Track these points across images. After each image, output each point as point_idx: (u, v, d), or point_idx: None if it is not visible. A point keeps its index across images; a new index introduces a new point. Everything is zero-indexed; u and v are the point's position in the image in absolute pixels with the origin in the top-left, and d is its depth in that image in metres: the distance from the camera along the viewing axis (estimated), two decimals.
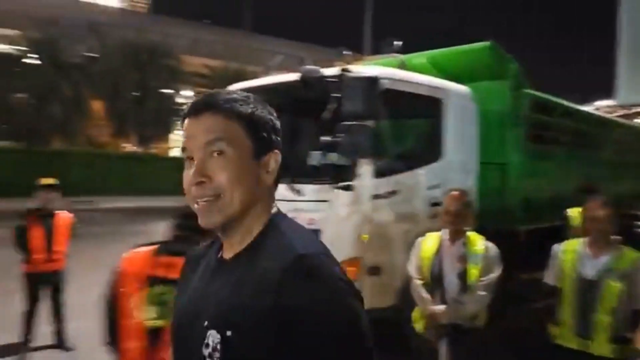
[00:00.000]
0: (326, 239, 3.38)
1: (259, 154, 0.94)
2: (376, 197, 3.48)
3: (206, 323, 0.90)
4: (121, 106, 20.16)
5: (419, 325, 2.96)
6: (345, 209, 3.35)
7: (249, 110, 0.93)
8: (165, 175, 19.83)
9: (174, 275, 2.01)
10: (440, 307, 2.82)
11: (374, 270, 3.47)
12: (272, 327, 0.81)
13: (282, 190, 3.59)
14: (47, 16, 23.23)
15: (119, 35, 21.85)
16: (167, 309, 1.88)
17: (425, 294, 2.89)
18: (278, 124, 0.99)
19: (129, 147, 24.07)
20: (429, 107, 3.85)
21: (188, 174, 0.92)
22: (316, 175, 3.48)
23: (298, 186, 3.49)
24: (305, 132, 4.61)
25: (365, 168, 3.37)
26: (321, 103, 3.30)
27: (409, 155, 3.80)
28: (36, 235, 4.36)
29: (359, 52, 24.23)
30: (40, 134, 17.59)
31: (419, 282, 2.94)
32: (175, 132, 24.60)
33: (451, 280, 2.82)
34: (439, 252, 2.88)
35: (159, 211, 14.42)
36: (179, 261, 2.03)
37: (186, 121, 0.94)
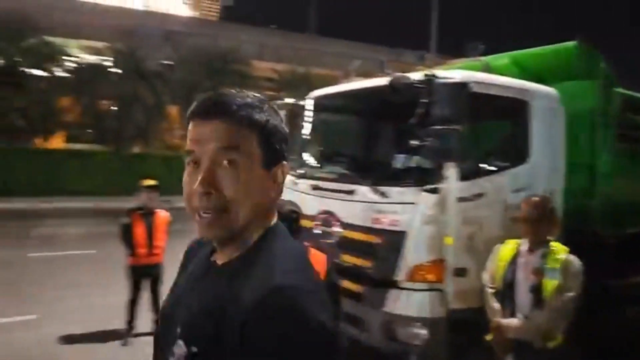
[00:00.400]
0: (411, 240, 3.48)
1: (269, 165, 0.89)
2: (462, 199, 3.51)
3: (178, 330, 0.87)
4: None
5: (489, 336, 2.85)
6: (430, 211, 3.42)
7: (264, 119, 0.88)
8: None
9: None
10: (509, 321, 2.68)
11: (460, 272, 3.50)
12: (237, 352, 0.77)
13: (366, 191, 3.72)
14: (127, 27, 24.99)
15: (192, 43, 23.04)
16: None
17: (496, 304, 2.77)
18: (286, 130, 0.95)
19: None
20: (515, 109, 3.82)
21: (192, 180, 0.86)
22: (401, 177, 3.58)
23: (382, 188, 3.60)
24: (390, 135, 4.72)
25: (452, 171, 3.42)
26: (408, 108, 3.39)
27: (495, 158, 3.79)
28: (139, 232, 4.81)
29: (424, 50, 23.85)
30: (124, 138, 18.99)
31: (491, 290, 2.83)
32: None
33: (523, 294, 2.67)
34: (514, 261, 2.75)
35: None
36: None
37: (194, 122, 0.88)
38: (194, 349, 0.82)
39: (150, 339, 4.09)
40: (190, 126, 0.88)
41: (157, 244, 4.88)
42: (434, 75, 3.33)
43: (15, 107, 16.86)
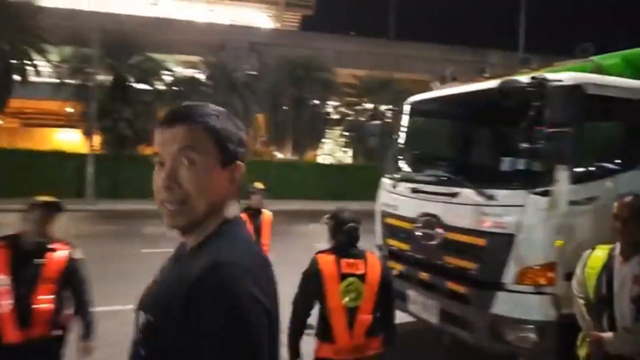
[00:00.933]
0: (520, 243, 3.48)
1: (225, 164, 1.02)
2: (573, 203, 3.46)
3: (144, 305, 1.02)
4: (280, 118, 22.17)
5: (581, 351, 2.67)
6: (541, 214, 3.40)
7: (219, 125, 1.02)
8: (312, 180, 21.21)
9: (356, 270, 2.67)
10: (609, 334, 2.48)
11: (570, 277, 3.45)
12: (178, 318, 0.89)
13: (471, 194, 3.77)
14: (216, 42, 26.62)
15: (275, 53, 24.05)
16: (356, 294, 2.66)
17: (588, 317, 2.59)
18: (245, 137, 1.09)
19: (284, 155, 26.24)
20: (629, 110, 3.69)
21: (158, 178, 1.00)
22: (510, 180, 3.60)
23: (489, 191, 3.64)
24: (494, 139, 4.73)
25: (563, 174, 3.39)
26: (515, 111, 3.41)
27: (608, 161, 3.68)
28: (249, 230, 5.22)
29: (511, 50, 22.91)
30: None
31: (582, 301, 2.65)
32: (324, 140, 26.08)
33: (623, 305, 2.46)
34: (607, 268, 2.56)
35: (309, 214, 15.56)
36: (356, 261, 2.69)
37: (160, 129, 1.02)
38: (151, 318, 0.96)
39: None
40: (157, 133, 1.03)
41: (264, 242, 5.27)
42: (544, 78, 3.33)
43: (123, 118, 18.69)
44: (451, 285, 3.90)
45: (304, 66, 22.47)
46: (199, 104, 1.07)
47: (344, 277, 2.67)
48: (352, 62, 28.72)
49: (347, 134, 24.83)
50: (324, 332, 2.70)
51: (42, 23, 18.84)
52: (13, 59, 18.80)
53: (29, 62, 19.23)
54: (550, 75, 3.41)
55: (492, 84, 3.62)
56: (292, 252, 6.34)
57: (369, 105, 24.34)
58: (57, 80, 19.79)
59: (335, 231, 2.82)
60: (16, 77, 19.16)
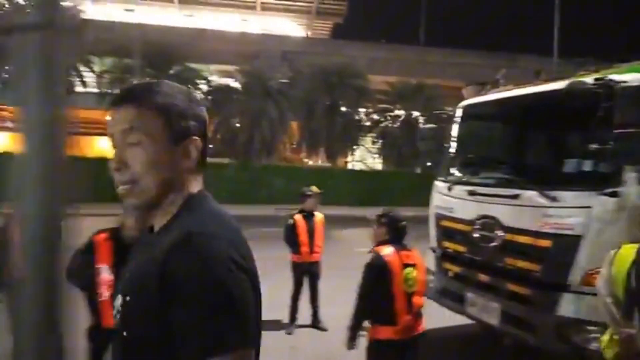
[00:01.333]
0: (587, 244, 3.47)
1: (176, 141, 0.99)
2: None
3: (121, 288, 1.03)
4: (314, 125, 22.37)
5: (609, 352, 2.59)
6: (609, 215, 3.39)
7: (166, 101, 0.99)
8: (344, 187, 21.24)
9: (411, 261, 3.13)
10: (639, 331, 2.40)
11: None
12: (156, 291, 0.88)
13: (533, 196, 3.78)
14: (249, 51, 27.12)
15: (308, 61, 24.31)
16: (413, 281, 3.17)
17: (617, 314, 2.52)
18: (199, 111, 1.04)
19: (314, 161, 26.41)
20: None
21: (112, 160, 0.99)
22: (575, 181, 3.60)
23: (553, 192, 3.64)
24: (556, 140, 4.71)
25: (631, 175, 3.37)
26: (579, 112, 3.43)
27: None
28: (302, 232, 5.35)
29: (543, 54, 22.50)
30: (251, 151, 20.64)
31: (609, 299, 2.59)
32: (355, 146, 26.15)
33: None
34: (636, 264, 2.49)
35: (343, 219, 15.55)
36: (409, 253, 3.16)
37: (110, 110, 1.00)
38: (127, 298, 0.97)
39: (310, 329, 4.76)
40: (108, 115, 1.03)
41: (318, 243, 5.38)
42: (611, 80, 3.33)
43: None
44: (512, 286, 3.90)
45: (338, 73, 22.62)
46: (150, 81, 1.05)
47: (404, 266, 3.16)
48: (383, 69, 28.72)
49: (379, 140, 24.88)
50: (386, 316, 3.15)
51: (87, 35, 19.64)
52: None
53: (74, 73, 20.05)
54: (616, 77, 3.41)
55: (555, 85, 3.64)
56: (331, 256, 6.42)
57: (401, 112, 24.32)
58: (99, 90, 20.56)
59: (391, 228, 3.30)
60: None
